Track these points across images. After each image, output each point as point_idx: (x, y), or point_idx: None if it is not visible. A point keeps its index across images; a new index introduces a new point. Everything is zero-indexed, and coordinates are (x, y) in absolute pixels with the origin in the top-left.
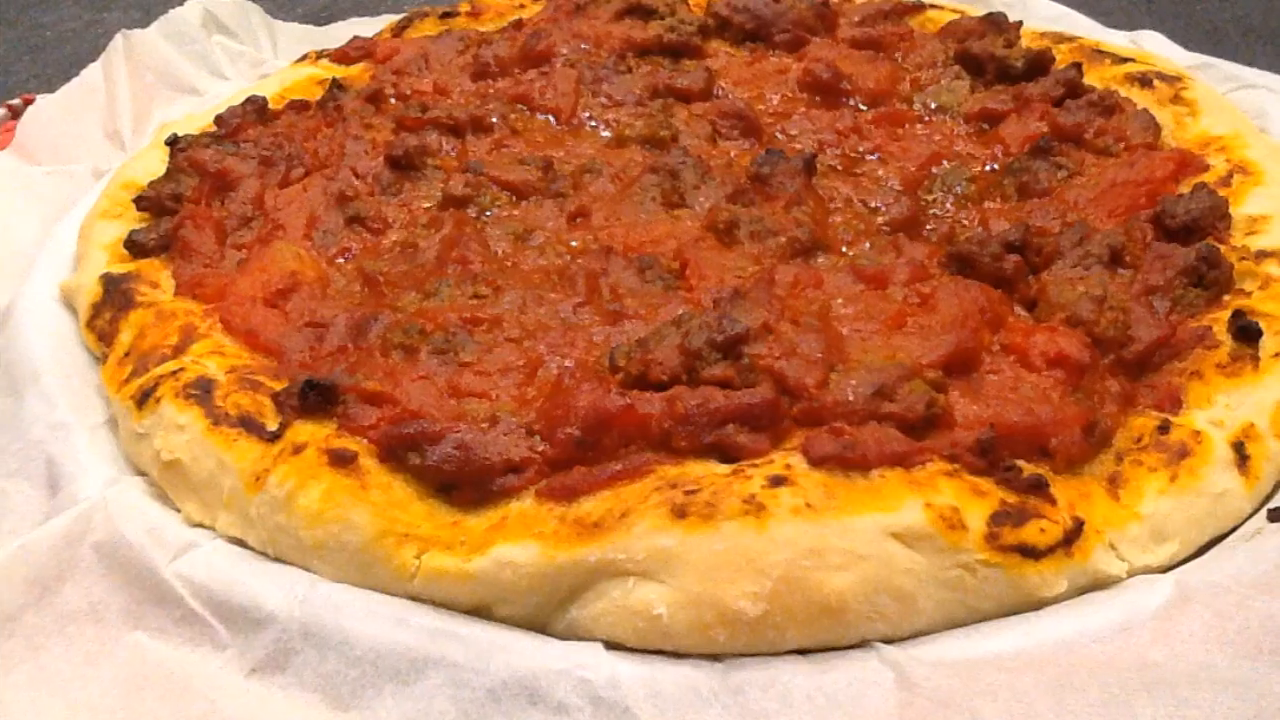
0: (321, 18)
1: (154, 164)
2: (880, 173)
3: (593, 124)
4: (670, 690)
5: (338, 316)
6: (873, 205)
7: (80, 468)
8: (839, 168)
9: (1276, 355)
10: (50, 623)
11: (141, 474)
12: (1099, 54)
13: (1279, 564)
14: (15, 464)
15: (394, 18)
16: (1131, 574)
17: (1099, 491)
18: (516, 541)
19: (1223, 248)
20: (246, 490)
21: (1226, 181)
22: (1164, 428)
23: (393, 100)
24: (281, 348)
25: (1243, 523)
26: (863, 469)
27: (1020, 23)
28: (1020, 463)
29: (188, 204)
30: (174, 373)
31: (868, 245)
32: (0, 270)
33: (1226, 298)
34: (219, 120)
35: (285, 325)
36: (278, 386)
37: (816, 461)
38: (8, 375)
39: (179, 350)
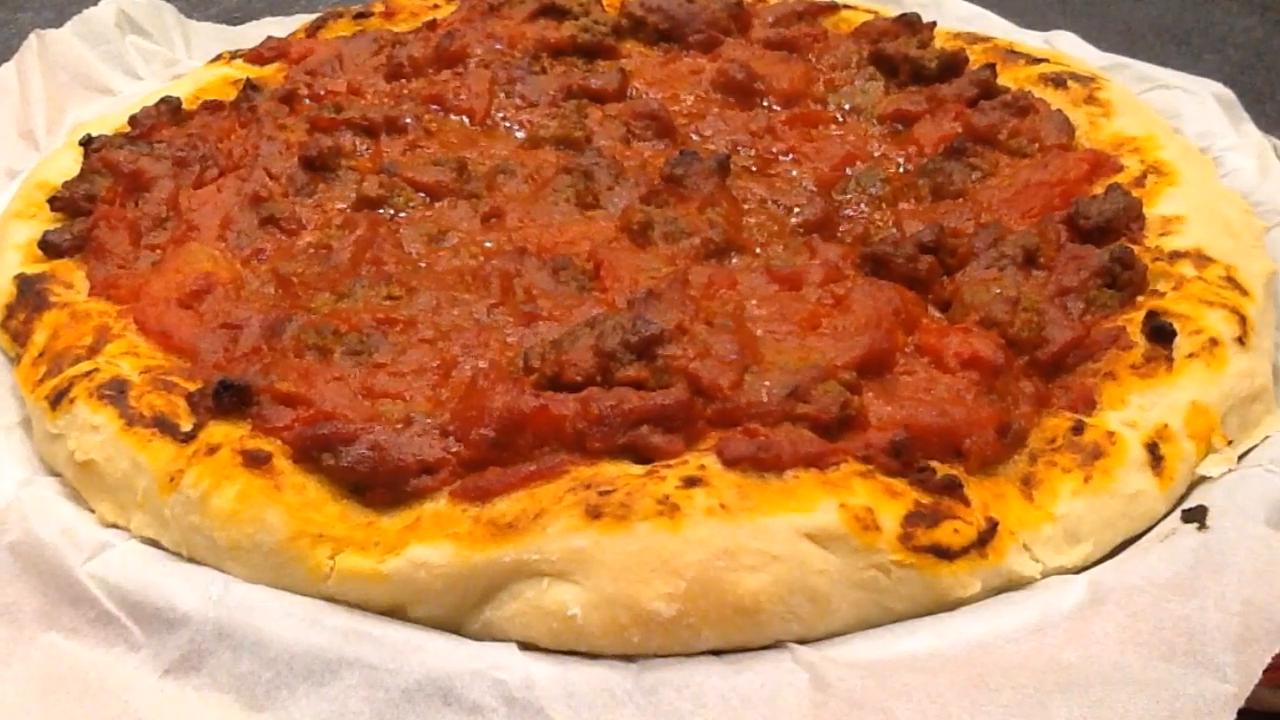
0: (235, 18)
1: (68, 164)
2: (794, 174)
3: (507, 125)
4: (584, 691)
5: (252, 318)
6: (787, 206)
7: None
8: (753, 169)
9: (1190, 356)
10: None
11: (56, 474)
12: (1013, 54)
13: (1193, 565)
14: None
15: (308, 18)
16: (1045, 575)
17: (1013, 492)
18: (431, 542)
19: (1136, 248)
20: (161, 491)
21: (1140, 182)
22: (1078, 428)
23: (307, 101)
24: (196, 349)
25: (1157, 523)
26: (777, 470)
27: (934, 23)
28: (934, 464)
29: (102, 204)
30: (88, 373)
31: (782, 247)
32: None
33: (1140, 299)
34: (133, 121)
35: (199, 326)
36: (192, 387)
37: (731, 462)
38: None
39: (93, 351)
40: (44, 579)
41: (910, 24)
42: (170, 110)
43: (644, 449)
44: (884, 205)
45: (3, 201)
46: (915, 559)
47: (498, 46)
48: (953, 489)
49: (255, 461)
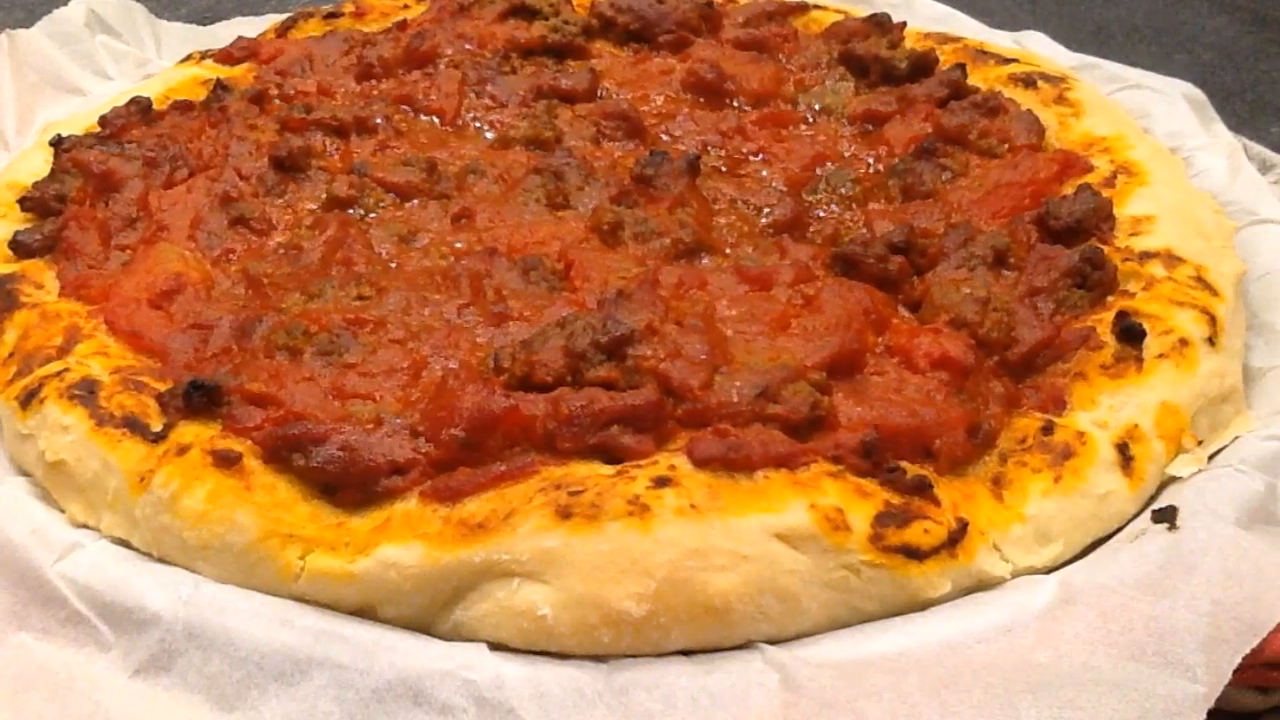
0: (206, 18)
1: (38, 164)
2: (764, 174)
3: (477, 125)
4: (555, 691)
5: (222, 318)
6: (757, 206)
7: None
8: (723, 169)
9: (1160, 356)
10: None
11: (26, 474)
12: (983, 55)
13: (1163, 565)
14: None
15: (278, 18)
16: (1015, 575)
17: (983, 493)
18: (401, 542)
19: (1106, 249)
20: (131, 491)
21: (1110, 182)
22: (1048, 429)
23: (277, 101)
24: (166, 349)
25: (1127, 523)
26: (747, 470)
27: (904, 24)
28: (904, 464)
29: (72, 205)
30: (58, 373)
31: (752, 247)
32: None
33: (1110, 299)
34: (103, 121)
35: (170, 327)
36: (162, 388)
37: (701, 462)
38: None
39: (64, 351)
40: (14, 579)
41: (880, 24)
42: (140, 110)
43: (614, 449)
44: (854, 205)
45: None
46: (885, 559)
47: (468, 47)
48: (923, 489)
49: (225, 462)
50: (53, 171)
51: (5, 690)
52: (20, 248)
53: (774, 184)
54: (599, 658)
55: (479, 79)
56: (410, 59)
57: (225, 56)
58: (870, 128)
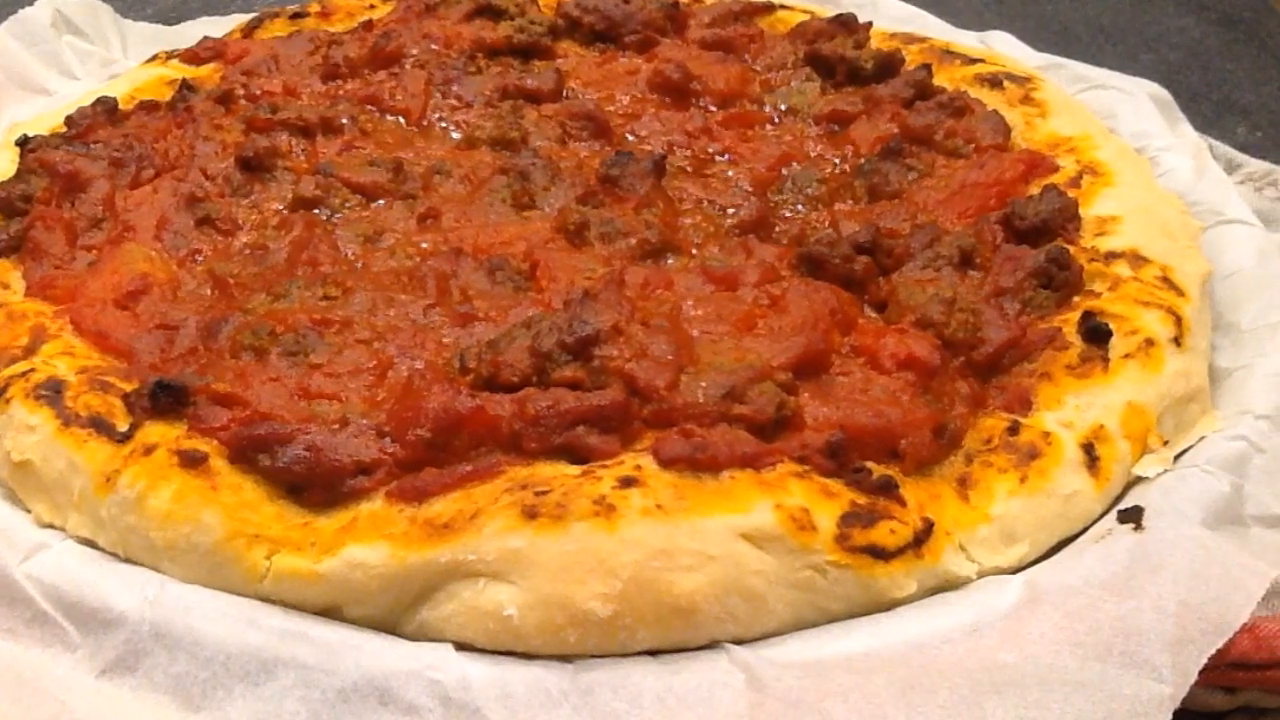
0: (171, 18)
1: (4, 165)
2: (730, 174)
3: (443, 125)
4: (521, 691)
5: (188, 318)
6: (723, 207)
7: None
8: (689, 169)
9: (1126, 356)
10: None
11: None
12: (949, 55)
13: (1129, 565)
14: None
15: (244, 18)
16: (981, 575)
17: (949, 493)
18: (367, 543)
19: (1072, 249)
20: (97, 491)
21: (1076, 183)
22: (1013, 429)
23: (243, 101)
24: (132, 349)
25: (1093, 524)
26: (713, 470)
27: (870, 24)
28: (870, 464)
29: (38, 205)
30: (24, 373)
31: (718, 247)
32: None
33: (1076, 299)
34: (69, 121)
35: (136, 327)
36: (128, 388)
37: (667, 463)
38: None
39: (29, 351)
40: None
41: (846, 24)
42: (106, 110)
43: (580, 449)
44: (820, 206)
45: None
46: (851, 559)
47: (434, 47)
48: (889, 489)
49: (191, 462)
50: (18, 172)
51: None
52: None
53: (740, 184)
54: (565, 658)
55: (445, 79)
56: (376, 59)
57: (191, 56)
58: (836, 128)
